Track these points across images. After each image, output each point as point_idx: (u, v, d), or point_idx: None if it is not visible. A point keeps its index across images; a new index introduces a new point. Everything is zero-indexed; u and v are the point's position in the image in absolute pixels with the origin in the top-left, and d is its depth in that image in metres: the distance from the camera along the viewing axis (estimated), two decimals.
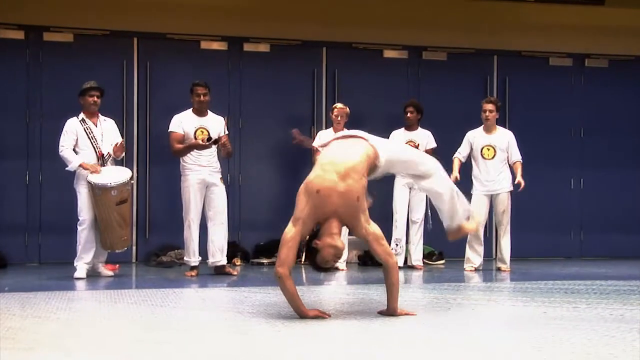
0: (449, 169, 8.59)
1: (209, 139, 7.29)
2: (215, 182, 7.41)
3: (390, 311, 4.59)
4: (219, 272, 7.49)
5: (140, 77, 9.18)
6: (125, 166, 7.95)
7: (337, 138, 5.01)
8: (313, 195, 4.39)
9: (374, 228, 4.48)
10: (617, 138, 10.40)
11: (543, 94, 10.24)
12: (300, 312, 4.41)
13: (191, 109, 7.51)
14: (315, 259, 4.44)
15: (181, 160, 7.41)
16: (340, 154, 4.62)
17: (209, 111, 7.56)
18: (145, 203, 9.15)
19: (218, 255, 7.43)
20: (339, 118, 8.17)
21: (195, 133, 7.41)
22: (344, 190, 4.41)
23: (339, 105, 8.38)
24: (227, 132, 7.63)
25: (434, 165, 5.02)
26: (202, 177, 7.36)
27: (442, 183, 5.01)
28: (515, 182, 8.00)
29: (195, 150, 7.33)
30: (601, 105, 10.38)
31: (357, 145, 4.72)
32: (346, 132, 5.19)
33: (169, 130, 7.45)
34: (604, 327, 4.20)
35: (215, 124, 7.53)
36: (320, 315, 4.45)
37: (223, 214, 7.44)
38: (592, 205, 10.30)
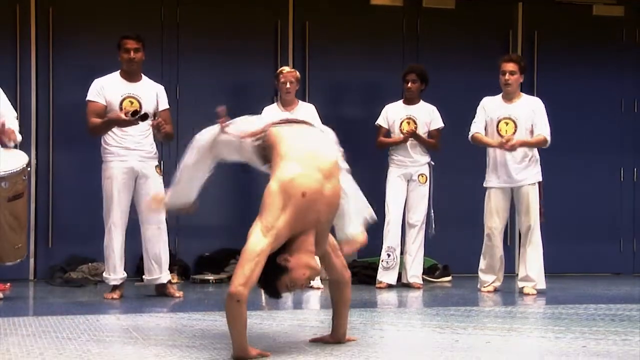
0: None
1: (136, 112, 7.19)
2: (148, 173, 7.37)
3: (338, 337, 4.82)
4: (159, 292, 7.52)
5: (40, 28, 9.12)
6: (21, 148, 7.83)
7: (289, 121, 5.07)
8: (296, 198, 4.37)
9: (332, 239, 4.74)
10: None
11: (584, 55, 10.35)
12: (241, 350, 4.40)
13: (119, 71, 7.46)
14: (277, 280, 4.42)
15: (102, 142, 7.36)
16: (318, 146, 4.69)
17: (143, 75, 7.53)
18: (47, 200, 9.11)
19: (155, 270, 7.43)
20: (288, 85, 8.19)
21: (121, 104, 7.34)
22: (331, 194, 4.49)
23: (285, 68, 8.42)
24: (168, 107, 7.60)
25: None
26: (129, 164, 7.30)
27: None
28: (509, 140, 7.78)
29: (117, 127, 7.28)
30: None
31: (324, 138, 4.85)
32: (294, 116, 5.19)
33: (86, 99, 7.39)
34: None
35: (150, 94, 7.49)
36: (262, 355, 4.46)
37: (160, 215, 7.39)
38: None
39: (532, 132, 7.95)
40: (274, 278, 4.38)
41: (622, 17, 10.48)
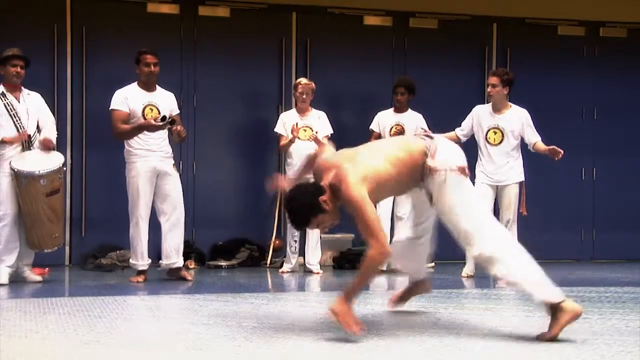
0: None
1: (163, 117, 7.15)
2: (168, 170, 7.35)
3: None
4: (173, 275, 7.49)
5: (75, 45, 9.10)
6: (57, 150, 7.81)
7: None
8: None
9: None
10: (636, 120, 10.51)
11: (550, 69, 10.31)
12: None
13: (136, 82, 7.42)
14: (313, 215, 4.34)
15: (126, 145, 7.31)
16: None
17: (157, 86, 7.50)
18: (80, 194, 9.09)
19: (173, 256, 7.40)
20: (304, 95, 8.21)
21: (143, 111, 7.32)
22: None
23: (303, 80, 8.40)
24: (178, 112, 7.59)
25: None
26: (152, 164, 7.27)
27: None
28: (555, 151, 7.67)
29: (144, 132, 7.24)
30: (618, 82, 10.48)
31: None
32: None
33: (110, 108, 7.33)
34: (619, 342, 4.25)
35: (166, 101, 7.46)
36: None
37: (178, 208, 7.40)
38: (606, 199, 10.40)
39: (521, 139, 7.91)
40: (312, 213, 4.34)
41: (583, 36, 10.46)
